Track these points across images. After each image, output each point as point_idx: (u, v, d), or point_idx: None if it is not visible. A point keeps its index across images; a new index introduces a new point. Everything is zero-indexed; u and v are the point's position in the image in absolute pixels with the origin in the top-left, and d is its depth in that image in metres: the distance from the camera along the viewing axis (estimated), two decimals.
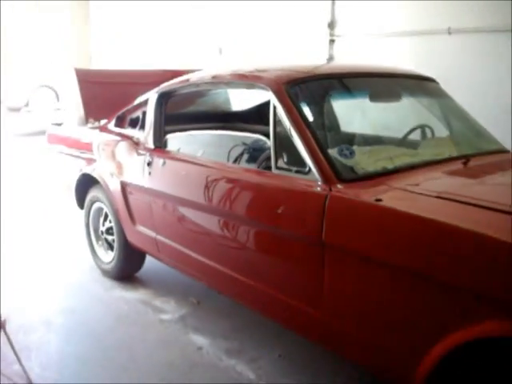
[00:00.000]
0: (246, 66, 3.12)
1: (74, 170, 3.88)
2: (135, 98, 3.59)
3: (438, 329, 1.74)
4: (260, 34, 6.36)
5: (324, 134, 2.45)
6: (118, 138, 3.53)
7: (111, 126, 3.73)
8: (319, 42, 5.68)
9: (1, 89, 12.47)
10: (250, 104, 4.14)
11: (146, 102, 3.39)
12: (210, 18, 7.09)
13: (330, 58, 5.64)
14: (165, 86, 3.30)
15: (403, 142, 2.83)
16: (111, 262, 3.68)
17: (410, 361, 1.83)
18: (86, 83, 4.30)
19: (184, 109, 3.99)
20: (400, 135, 2.91)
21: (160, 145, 3.18)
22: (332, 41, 5.65)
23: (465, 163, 2.37)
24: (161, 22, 7.93)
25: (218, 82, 3.08)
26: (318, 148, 2.22)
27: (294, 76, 2.57)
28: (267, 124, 2.49)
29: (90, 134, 3.88)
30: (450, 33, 4.74)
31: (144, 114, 3.40)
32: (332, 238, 2.02)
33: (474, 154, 2.60)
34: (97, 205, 3.75)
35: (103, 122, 3.97)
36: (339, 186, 2.09)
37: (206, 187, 2.67)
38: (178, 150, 3.09)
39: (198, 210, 2.78)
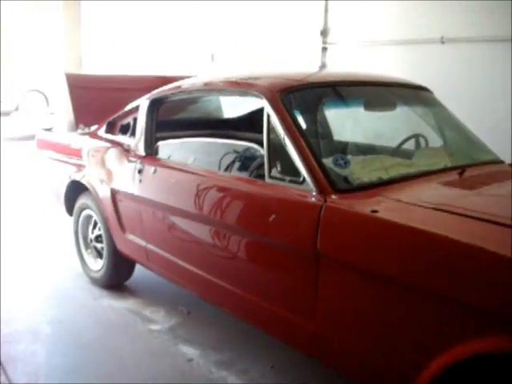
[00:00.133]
0: (239, 72, 3.09)
1: (64, 176, 3.82)
2: (126, 103, 3.55)
3: (436, 344, 1.70)
4: (252, 40, 6.34)
5: (318, 143, 2.42)
6: (109, 144, 3.48)
7: (101, 132, 3.68)
8: (312, 49, 5.66)
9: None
10: (242, 111, 4.11)
11: (137, 109, 3.35)
12: (203, 24, 7.06)
13: (323, 66, 5.62)
14: (156, 92, 3.25)
15: (397, 152, 2.81)
16: (100, 270, 3.62)
17: (406, 376, 1.79)
18: (76, 88, 4.25)
19: (176, 116, 3.94)
20: (394, 144, 2.89)
21: (151, 152, 3.13)
22: (324, 48, 5.63)
23: (460, 174, 2.34)
24: (152, 27, 7.89)
25: (210, 89, 3.04)
26: (313, 157, 2.18)
27: (289, 84, 2.54)
28: (260, 132, 2.46)
29: (79, 139, 3.82)
30: (443, 42, 4.73)
31: (135, 120, 3.35)
32: (327, 249, 1.98)
33: (468, 164, 2.57)
34: (86, 212, 3.69)
35: (93, 127, 3.93)
36: (334, 196, 2.06)
37: (198, 196, 2.63)
38: (170, 157, 3.05)
39: (189, 219, 2.73)
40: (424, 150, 2.85)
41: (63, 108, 4.29)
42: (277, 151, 2.32)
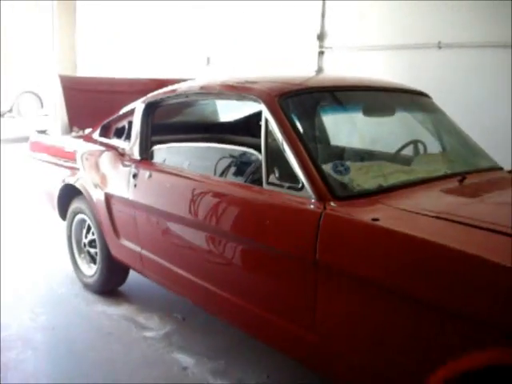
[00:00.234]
0: (235, 76, 3.05)
1: (57, 179, 3.77)
2: (121, 107, 3.50)
3: (437, 356, 1.66)
4: (249, 44, 6.31)
5: (318, 148, 2.38)
6: (103, 148, 3.43)
7: (96, 135, 3.63)
8: (308, 53, 5.63)
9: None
10: (238, 115, 4.07)
11: (132, 112, 3.30)
12: (199, 27, 7.02)
13: (319, 70, 5.59)
14: (152, 95, 3.21)
15: (396, 158, 2.77)
16: (93, 275, 3.56)
17: None
18: (70, 90, 4.20)
19: (171, 120, 3.90)
20: (393, 150, 2.86)
21: (146, 156, 3.08)
22: (321, 53, 5.60)
23: (461, 181, 2.31)
24: (148, 29, 7.83)
25: (206, 92, 2.99)
26: (312, 164, 2.14)
27: (287, 88, 2.50)
28: (257, 136, 2.42)
29: (73, 143, 3.77)
30: (440, 47, 4.73)
31: (130, 123, 3.30)
32: (326, 258, 1.93)
33: (468, 171, 2.54)
34: (79, 216, 3.63)
35: (88, 130, 3.88)
36: (333, 203, 2.01)
37: (194, 202, 2.58)
38: (165, 162, 3.00)
39: (185, 225, 2.68)
40: (423, 156, 2.82)
41: (57, 110, 4.23)
42: (275, 157, 2.28)
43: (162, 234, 2.89)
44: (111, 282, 3.56)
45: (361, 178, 2.20)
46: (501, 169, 2.76)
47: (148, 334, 3.07)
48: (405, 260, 1.72)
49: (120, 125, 3.47)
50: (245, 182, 2.47)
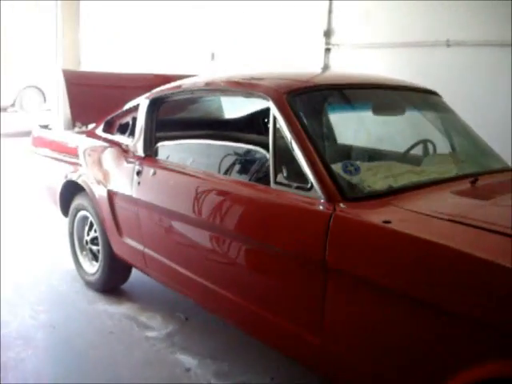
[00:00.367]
0: (241, 72, 2.99)
1: (59, 175, 3.71)
2: (125, 102, 3.44)
3: (450, 364, 1.61)
4: (254, 40, 6.23)
5: (327, 148, 2.32)
6: (106, 144, 3.37)
7: (99, 131, 3.57)
8: (314, 50, 5.56)
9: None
10: (244, 112, 4.01)
11: (136, 108, 3.24)
12: (203, 23, 6.95)
13: (325, 67, 5.52)
14: (156, 91, 3.15)
15: (405, 157, 2.71)
16: (95, 273, 3.51)
17: None
18: (73, 85, 4.15)
19: (176, 116, 3.84)
20: (402, 150, 2.80)
21: (150, 153, 3.03)
22: (328, 49, 5.53)
23: (473, 182, 2.25)
24: (152, 25, 7.76)
25: (212, 89, 2.94)
26: (322, 163, 2.08)
27: (296, 85, 2.44)
28: (262, 134, 2.37)
29: (76, 138, 3.71)
30: (448, 45, 4.66)
31: (134, 119, 3.24)
32: (336, 261, 1.88)
33: (480, 172, 2.48)
34: (82, 213, 3.58)
35: (91, 126, 3.82)
36: (343, 205, 1.96)
37: (199, 200, 2.53)
38: (170, 159, 2.94)
39: (189, 224, 2.63)
40: (433, 156, 2.76)
41: (60, 105, 4.18)
42: (283, 156, 2.22)
43: (166, 232, 2.83)
44: (113, 281, 3.51)
45: (371, 178, 2.14)
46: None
47: (150, 333, 3.02)
48: (418, 265, 1.66)
49: (124, 121, 3.41)
50: (251, 180, 2.42)
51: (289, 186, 2.16)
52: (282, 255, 2.14)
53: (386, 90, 2.79)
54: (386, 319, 1.79)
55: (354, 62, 5.26)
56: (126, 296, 3.50)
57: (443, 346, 1.63)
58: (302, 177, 2.11)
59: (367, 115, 2.78)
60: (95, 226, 3.45)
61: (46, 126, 4.29)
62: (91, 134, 3.62)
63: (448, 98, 3.04)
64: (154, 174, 2.83)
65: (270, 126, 2.30)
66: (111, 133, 3.48)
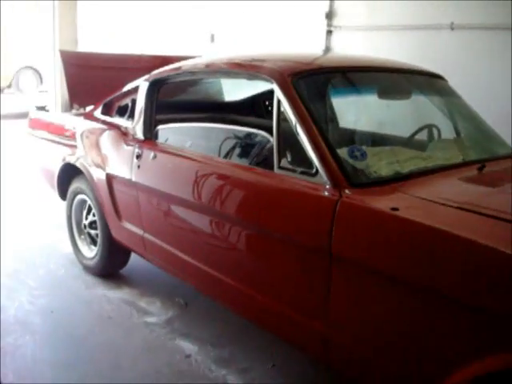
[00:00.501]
0: (242, 54, 2.92)
1: (57, 158, 3.65)
2: (124, 84, 3.37)
3: (459, 356, 1.57)
4: (255, 21, 6.13)
5: (333, 132, 2.26)
6: (105, 126, 3.31)
7: (97, 113, 3.51)
8: (316, 32, 5.47)
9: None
10: (245, 95, 3.94)
11: (135, 90, 3.18)
12: (202, 3, 6.83)
13: (327, 50, 5.44)
14: (156, 73, 3.08)
15: (410, 142, 2.66)
16: (94, 257, 3.46)
17: None
18: (71, 66, 4.08)
19: (177, 98, 3.77)
20: (406, 135, 2.74)
21: (150, 136, 2.97)
22: (329, 32, 5.45)
23: (480, 169, 2.20)
24: (150, 5, 7.63)
25: (214, 70, 2.87)
26: (327, 148, 2.03)
27: (301, 68, 2.37)
28: (264, 117, 2.31)
29: (74, 120, 3.65)
30: (452, 28, 4.58)
31: (133, 102, 3.18)
32: (342, 248, 1.83)
33: (487, 158, 2.43)
34: (80, 197, 3.53)
35: (89, 108, 3.75)
36: (349, 191, 1.91)
37: (201, 185, 2.48)
38: (171, 142, 2.88)
39: (191, 208, 2.58)
40: (438, 141, 2.70)
41: (57, 87, 4.11)
42: (287, 140, 2.17)
43: (167, 217, 2.78)
44: (112, 265, 3.47)
45: (377, 163, 2.09)
46: None
47: (150, 319, 2.99)
48: (427, 254, 1.61)
49: (123, 103, 3.35)
50: (254, 165, 2.37)
51: (293, 170, 2.10)
52: (285, 241, 2.09)
53: (391, 74, 2.72)
54: (392, 309, 1.75)
55: (356, 45, 5.19)
56: (124, 281, 3.46)
57: (452, 336, 1.59)
58: (306, 162, 2.05)
59: (371, 99, 2.72)
60: (93, 210, 3.40)
61: (42, 108, 4.21)
62: (89, 116, 3.56)
63: (451, 81, 2.99)
64: (155, 157, 2.78)
65: (274, 109, 2.24)
66: (110, 115, 3.41)
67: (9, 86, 13.05)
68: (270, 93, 2.33)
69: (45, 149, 3.91)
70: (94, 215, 3.42)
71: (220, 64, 2.81)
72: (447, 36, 4.59)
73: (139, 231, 2.97)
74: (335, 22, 5.40)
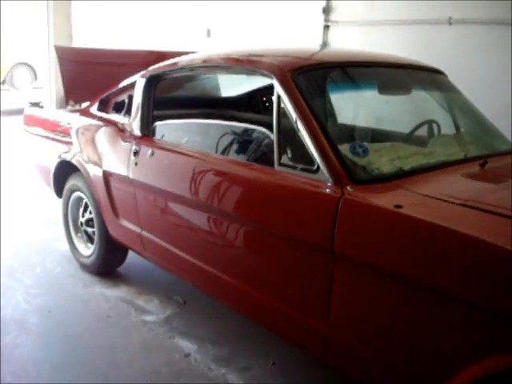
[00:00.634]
0: (241, 49, 2.88)
1: (53, 155, 3.61)
2: (120, 79, 3.33)
3: (464, 355, 1.55)
4: (251, 16, 6.09)
5: (334, 128, 2.23)
6: (101, 123, 3.27)
7: (93, 109, 3.47)
8: (313, 27, 5.44)
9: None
10: (243, 90, 3.90)
11: (132, 85, 3.14)
12: None
13: (324, 45, 5.41)
14: (153, 68, 3.04)
15: (410, 138, 2.63)
16: (91, 255, 3.43)
17: None
18: (66, 62, 4.03)
19: (174, 94, 3.73)
20: (407, 130, 2.72)
21: (148, 133, 2.93)
22: (326, 27, 5.42)
23: (482, 165, 2.17)
24: (145, 0, 7.58)
25: (212, 66, 2.84)
26: (329, 144, 2.00)
27: (301, 63, 2.34)
28: (263, 113, 2.27)
29: (69, 117, 3.60)
30: (450, 23, 4.56)
31: (130, 98, 3.14)
32: (344, 246, 1.80)
33: (488, 154, 2.41)
34: (76, 194, 3.49)
35: (85, 104, 3.71)
36: (351, 188, 1.88)
37: (199, 182, 2.45)
38: (168, 139, 2.85)
39: (189, 206, 2.55)
40: (439, 137, 2.68)
41: (51, 83, 4.06)
42: (288, 136, 2.13)
43: (165, 214, 2.75)
44: (109, 263, 3.44)
45: (379, 160, 2.06)
46: None
47: (148, 317, 2.96)
48: (433, 252, 1.59)
49: (119, 99, 3.31)
50: (254, 162, 2.33)
51: (294, 167, 2.07)
52: (286, 239, 2.07)
53: (391, 69, 2.70)
54: (394, 307, 1.72)
55: (353, 40, 5.17)
56: (122, 279, 3.43)
57: (454, 335, 1.57)
58: (307, 158, 2.02)
59: (371, 94, 2.69)
60: (90, 208, 3.36)
61: (37, 104, 4.16)
62: (85, 113, 3.52)
63: (450, 76, 2.97)
64: (152, 154, 2.74)
65: (274, 104, 2.21)
66: (106, 111, 3.38)
67: (2, 83, 12.95)
68: (268, 88, 2.30)
69: (40, 146, 3.87)
70: (90, 213, 3.39)
71: (217, 59, 2.77)
72: (444, 31, 4.57)
73: (136, 229, 2.94)
74: (332, 17, 5.38)
